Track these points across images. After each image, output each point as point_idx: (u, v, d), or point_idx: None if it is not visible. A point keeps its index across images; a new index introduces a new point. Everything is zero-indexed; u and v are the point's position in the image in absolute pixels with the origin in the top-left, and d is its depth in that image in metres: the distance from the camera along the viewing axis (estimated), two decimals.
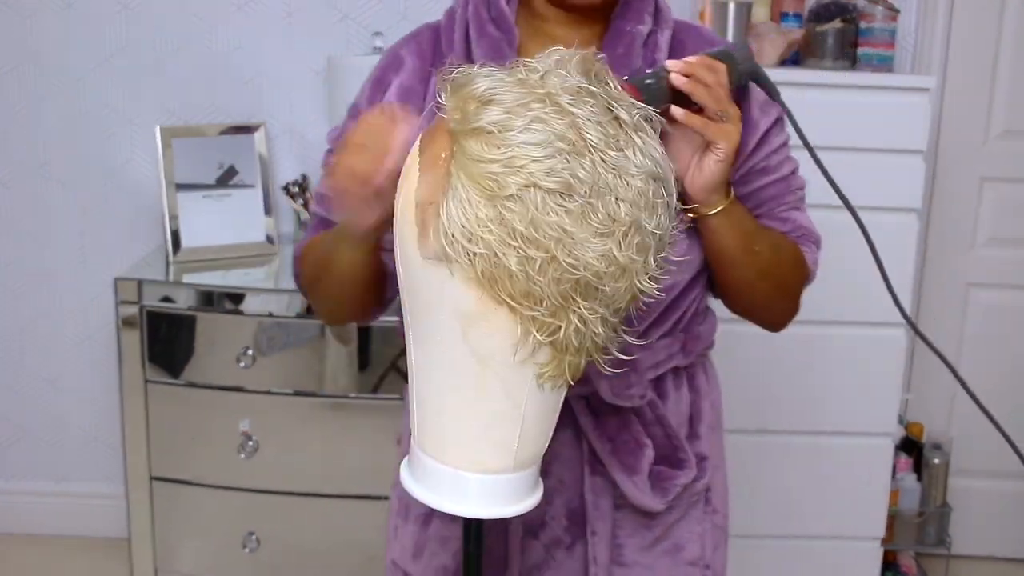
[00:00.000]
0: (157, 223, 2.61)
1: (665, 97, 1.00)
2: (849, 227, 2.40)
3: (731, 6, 2.26)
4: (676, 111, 0.99)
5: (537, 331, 0.79)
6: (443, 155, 0.79)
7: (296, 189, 2.56)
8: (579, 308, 0.78)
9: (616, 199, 0.76)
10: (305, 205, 2.53)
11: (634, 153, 0.78)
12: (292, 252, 1.23)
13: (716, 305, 1.24)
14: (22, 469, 2.85)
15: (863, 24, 2.42)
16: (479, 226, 0.75)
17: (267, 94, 2.64)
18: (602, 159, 0.76)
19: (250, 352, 2.22)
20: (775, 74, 2.21)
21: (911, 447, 2.62)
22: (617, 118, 0.78)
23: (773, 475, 2.34)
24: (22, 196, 2.70)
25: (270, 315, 2.23)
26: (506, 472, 0.86)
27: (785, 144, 1.19)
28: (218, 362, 2.25)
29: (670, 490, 1.13)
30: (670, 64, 1.00)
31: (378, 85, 1.16)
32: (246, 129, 2.56)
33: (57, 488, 2.85)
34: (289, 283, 2.39)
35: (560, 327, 0.78)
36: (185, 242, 2.48)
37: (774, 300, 1.17)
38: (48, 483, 2.85)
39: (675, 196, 0.82)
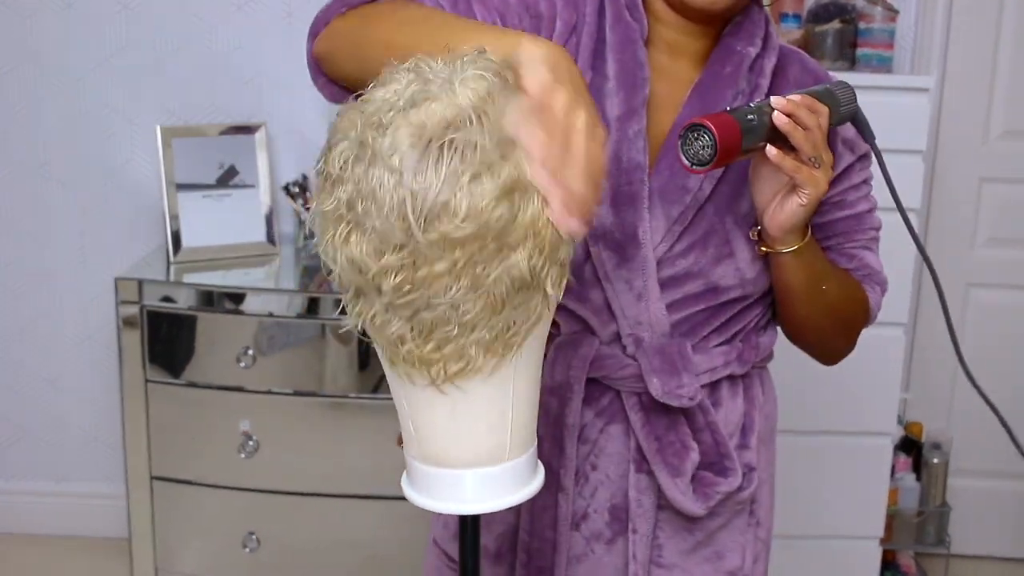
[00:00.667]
0: (157, 223, 2.62)
1: (764, 134, 0.98)
2: None
3: None
4: (771, 152, 0.97)
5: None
6: None
7: (296, 189, 2.56)
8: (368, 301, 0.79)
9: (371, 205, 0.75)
10: (305, 205, 2.54)
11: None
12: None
13: None
14: (22, 469, 2.85)
15: (862, 24, 2.42)
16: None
17: (267, 94, 2.64)
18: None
19: (250, 352, 2.23)
20: None
21: (910, 447, 2.62)
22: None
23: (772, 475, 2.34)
24: (22, 196, 2.71)
25: (270, 315, 2.23)
26: (501, 462, 0.85)
27: (866, 182, 1.20)
28: (218, 362, 2.25)
29: (712, 496, 1.13)
30: (774, 101, 0.98)
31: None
32: (246, 129, 2.56)
33: (57, 488, 2.85)
34: (289, 283, 2.41)
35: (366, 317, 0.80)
36: (185, 242, 2.48)
37: (833, 338, 1.20)
38: (48, 483, 2.86)
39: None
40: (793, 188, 1.01)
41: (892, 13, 2.41)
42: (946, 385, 2.82)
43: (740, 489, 1.15)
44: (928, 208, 2.72)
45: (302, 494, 2.29)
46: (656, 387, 1.10)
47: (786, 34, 2.39)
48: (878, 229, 1.23)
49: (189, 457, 2.31)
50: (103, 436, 2.81)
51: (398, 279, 0.75)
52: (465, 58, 0.78)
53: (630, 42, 1.08)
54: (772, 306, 1.19)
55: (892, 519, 2.53)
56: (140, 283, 2.26)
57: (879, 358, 2.26)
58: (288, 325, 2.22)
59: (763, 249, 1.08)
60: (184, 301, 2.26)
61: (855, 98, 1.08)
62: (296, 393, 2.25)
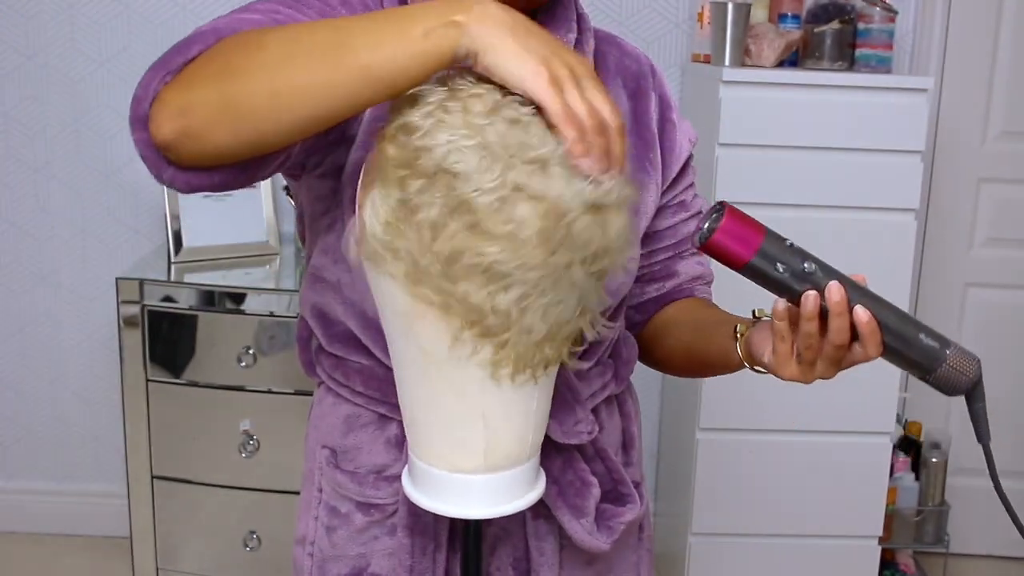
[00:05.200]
0: (158, 223, 2.62)
1: (795, 288, 0.83)
2: (846, 228, 2.42)
3: (730, 7, 2.27)
4: (778, 304, 0.85)
5: (469, 326, 0.77)
6: (371, 162, 0.80)
7: None
8: (498, 297, 0.76)
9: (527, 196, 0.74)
10: None
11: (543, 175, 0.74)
12: (211, 28, 0.86)
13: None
14: (24, 468, 2.86)
15: (861, 25, 2.42)
16: (392, 224, 0.76)
17: None
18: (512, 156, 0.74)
19: (251, 352, 2.23)
20: (773, 75, 2.24)
21: (909, 446, 2.62)
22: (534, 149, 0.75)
23: (772, 474, 2.35)
24: (23, 195, 2.71)
25: (271, 315, 2.23)
26: (478, 472, 0.85)
27: (694, 181, 1.16)
28: (219, 362, 2.26)
29: (616, 529, 1.07)
30: (832, 292, 0.82)
31: None
32: None
33: (59, 487, 2.86)
34: (289, 283, 2.41)
35: (484, 319, 0.77)
36: (186, 242, 2.48)
37: (695, 376, 1.16)
38: (50, 482, 2.86)
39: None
40: (771, 351, 0.90)
41: (891, 14, 2.42)
42: None
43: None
44: (927, 208, 2.73)
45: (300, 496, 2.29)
46: (555, 430, 1.02)
47: (786, 34, 2.39)
48: None
49: (190, 457, 2.32)
50: (104, 435, 2.81)
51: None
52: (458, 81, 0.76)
53: None
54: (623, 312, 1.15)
55: (891, 518, 2.53)
56: (141, 283, 2.26)
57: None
58: (288, 325, 2.23)
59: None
60: (185, 301, 2.27)
61: (975, 373, 0.86)
62: (296, 393, 2.25)
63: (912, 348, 0.84)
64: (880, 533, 2.40)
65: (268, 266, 2.49)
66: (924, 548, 2.68)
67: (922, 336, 0.84)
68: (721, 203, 0.83)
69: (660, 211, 1.11)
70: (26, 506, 2.85)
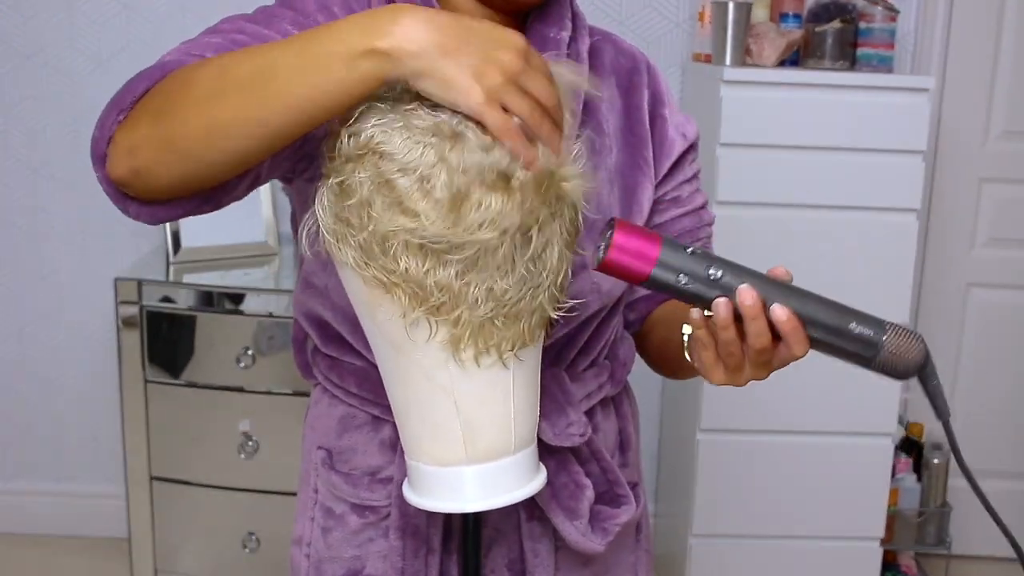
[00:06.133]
0: None
1: (706, 295, 0.79)
2: (847, 228, 2.41)
3: (730, 6, 2.26)
4: (692, 316, 0.82)
5: (418, 305, 0.79)
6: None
7: None
8: (438, 272, 0.78)
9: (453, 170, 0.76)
10: None
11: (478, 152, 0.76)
12: (152, 70, 0.87)
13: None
14: (22, 469, 2.85)
15: (863, 24, 2.42)
16: (336, 212, 0.79)
17: None
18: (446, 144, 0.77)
19: (250, 352, 2.23)
20: (774, 75, 2.23)
21: (911, 447, 2.62)
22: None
23: (773, 475, 2.34)
24: (22, 196, 2.71)
25: (270, 315, 2.23)
26: (463, 463, 0.85)
27: (697, 176, 1.13)
28: (218, 362, 2.25)
29: (611, 530, 1.07)
30: (743, 295, 0.78)
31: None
32: None
33: (57, 488, 2.85)
34: (289, 283, 2.41)
35: (430, 296, 0.78)
36: (185, 242, 2.48)
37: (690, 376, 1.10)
38: (48, 483, 2.86)
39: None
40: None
41: (892, 13, 2.41)
42: (946, 385, 2.82)
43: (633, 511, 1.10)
44: (928, 208, 2.72)
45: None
46: (546, 431, 1.02)
47: (787, 34, 2.39)
48: (712, 224, 1.15)
49: (189, 457, 2.31)
50: (103, 436, 2.81)
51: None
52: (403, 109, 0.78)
53: None
54: (621, 312, 1.15)
55: (893, 519, 2.53)
56: (140, 283, 2.26)
57: None
58: (288, 325, 2.22)
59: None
60: (184, 301, 2.26)
61: (920, 352, 0.81)
62: (295, 394, 2.25)
63: (844, 339, 0.80)
64: (882, 534, 2.39)
65: (267, 266, 2.49)
66: (926, 549, 2.67)
67: (853, 325, 0.80)
68: (612, 219, 0.81)
69: (654, 207, 1.10)
70: (24, 507, 2.84)
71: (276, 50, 0.79)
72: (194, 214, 0.89)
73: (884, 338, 0.80)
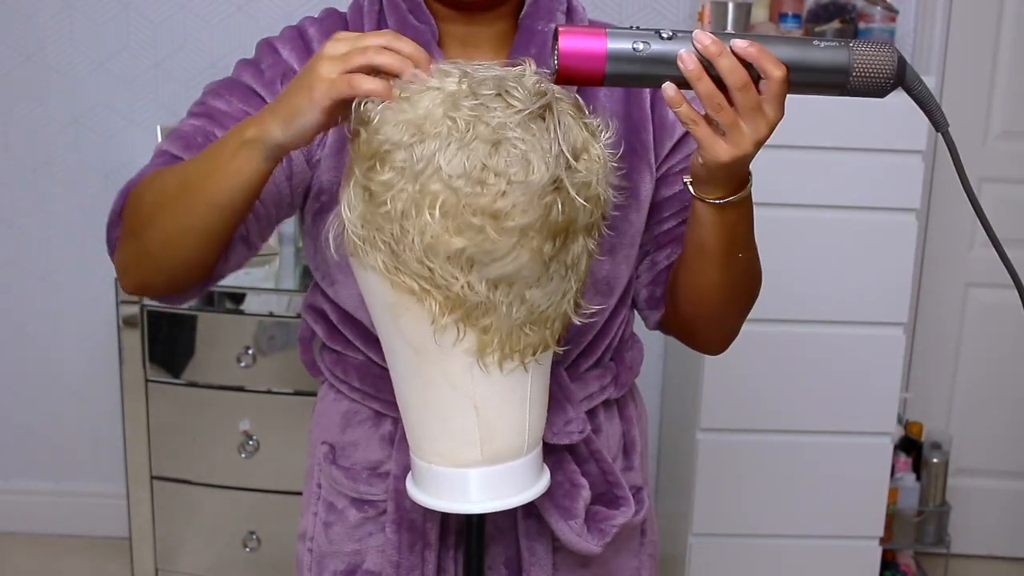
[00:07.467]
0: None
1: (664, 68, 0.79)
2: (846, 228, 2.41)
3: (730, 6, 2.27)
4: (666, 90, 0.81)
5: (448, 312, 0.78)
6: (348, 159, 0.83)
7: None
8: (475, 280, 0.77)
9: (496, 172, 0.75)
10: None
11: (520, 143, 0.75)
12: (120, 195, 1.00)
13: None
14: (23, 468, 2.85)
15: (862, 25, 2.42)
16: (366, 217, 0.78)
17: None
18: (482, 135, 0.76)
19: (251, 352, 2.23)
20: None
21: (910, 446, 2.62)
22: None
23: (773, 475, 2.35)
24: (22, 196, 2.71)
25: (271, 315, 2.23)
26: (477, 465, 0.85)
27: None
28: (219, 362, 2.26)
29: (608, 531, 1.06)
30: (696, 36, 0.79)
31: (276, 54, 1.15)
32: None
33: (58, 488, 2.86)
34: (289, 283, 2.41)
35: (464, 304, 0.78)
36: None
37: (731, 316, 1.07)
38: (49, 483, 2.86)
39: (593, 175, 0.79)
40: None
41: (892, 13, 2.41)
42: (946, 385, 2.82)
43: (634, 515, 1.10)
44: (928, 208, 2.73)
45: (302, 494, 2.29)
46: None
47: (786, 34, 2.39)
48: None
49: (189, 457, 2.32)
50: (103, 436, 2.81)
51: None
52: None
53: (423, 45, 0.96)
54: (631, 312, 1.14)
55: (892, 519, 2.53)
56: None
57: (879, 358, 2.26)
58: (288, 325, 2.23)
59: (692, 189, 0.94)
60: None
61: (892, 58, 0.80)
62: (296, 393, 2.25)
63: (813, 55, 0.80)
64: (881, 534, 2.40)
65: (268, 266, 2.49)
66: (925, 549, 2.67)
67: (817, 42, 0.80)
68: (555, 28, 0.82)
69: (662, 181, 1.09)
70: (25, 506, 2.84)
71: (191, 162, 0.92)
72: (206, 290, 1.02)
73: (852, 46, 0.80)
